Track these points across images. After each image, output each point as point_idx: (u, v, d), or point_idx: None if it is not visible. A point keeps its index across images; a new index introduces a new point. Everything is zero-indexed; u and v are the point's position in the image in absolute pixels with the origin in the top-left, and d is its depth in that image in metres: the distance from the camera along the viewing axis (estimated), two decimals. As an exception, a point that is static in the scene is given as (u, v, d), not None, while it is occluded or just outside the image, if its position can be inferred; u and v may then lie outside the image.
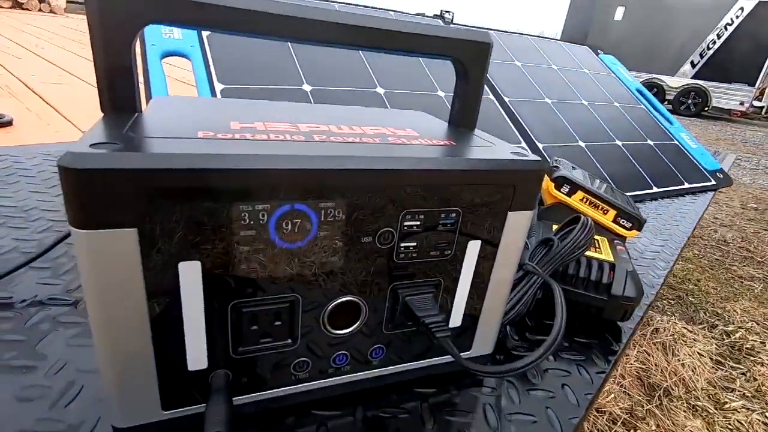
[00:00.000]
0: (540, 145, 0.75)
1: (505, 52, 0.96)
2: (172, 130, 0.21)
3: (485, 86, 0.80)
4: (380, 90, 0.68)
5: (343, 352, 0.25)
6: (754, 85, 7.12)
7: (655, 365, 0.91)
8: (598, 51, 1.19)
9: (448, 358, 0.29)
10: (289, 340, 0.23)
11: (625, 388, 0.84)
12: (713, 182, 0.92)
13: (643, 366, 0.91)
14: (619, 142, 0.87)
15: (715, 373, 0.92)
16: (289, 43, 0.67)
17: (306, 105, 0.32)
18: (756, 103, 7.52)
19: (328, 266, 0.22)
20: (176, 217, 0.18)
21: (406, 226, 0.23)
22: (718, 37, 7.34)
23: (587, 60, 1.12)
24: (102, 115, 0.22)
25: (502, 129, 0.75)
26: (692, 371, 0.90)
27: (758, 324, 1.18)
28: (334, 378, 0.26)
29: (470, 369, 0.23)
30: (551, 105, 0.87)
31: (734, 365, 0.96)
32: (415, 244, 0.24)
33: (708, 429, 0.76)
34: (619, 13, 8.33)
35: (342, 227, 0.21)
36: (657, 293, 0.47)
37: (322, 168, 0.20)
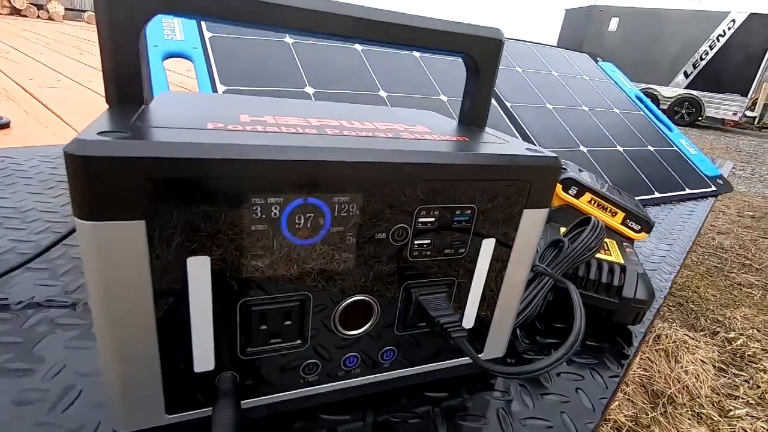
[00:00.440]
0: (542, 150, 0.75)
1: (506, 57, 0.96)
2: (181, 122, 0.20)
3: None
4: (383, 93, 0.68)
5: (353, 353, 0.24)
6: (746, 96, 7.22)
7: (659, 372, 0.90)
8: (597, 58, 1.20)
9: (460, 361, 0.28)
10: (299, 341, 0.22)
11: (629, 395, 0.83)
12: (713, 188, 0.93)
13: (646, 373, 0.90)
14: (620, 148, 0.87)
15: (718, 380, 0.92)
16: (291, 46, 0.66)
17: (315, 102, 0.31)
18: (748, 113, 7.62)
19: (341, 264, 0.21)
20: (186, 210, 0.17)
21: (420, 222, 0.22)
22: (711, 48, 7.45)
23: (586, 67, 1.13)
24: (107, 107, 0.22)
25: (505, 133, 0.74)
26: (695, 378, 0.89)
27: (759, 331, 1.17)
28: (344, 381, 0.25)
29: (490, 370, 0.22)
30: (552, 110, 0.88)
31: (737, 372, 0.95)
32: (429, 241, 0.23)
33: (713, 437, 0.75)
34: (613, 23, 8.45)
35: (356, 223, 0.21)
36: (666, 297, 0.46)
37: (337, 160, 0.19)
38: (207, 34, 0.60)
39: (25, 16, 5.82)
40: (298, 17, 0.22)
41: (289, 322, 0.22)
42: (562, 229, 0.42)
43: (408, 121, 0.28)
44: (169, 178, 0.17)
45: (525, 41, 1.09)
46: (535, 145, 0.73)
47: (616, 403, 0.80)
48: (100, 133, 0.16)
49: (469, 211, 0.23)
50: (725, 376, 0.93)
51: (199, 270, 0.19)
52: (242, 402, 0.22)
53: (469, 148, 0.23)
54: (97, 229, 0.16)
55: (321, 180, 0.19)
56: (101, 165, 0.15)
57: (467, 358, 0.28)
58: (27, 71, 1.29)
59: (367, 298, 0.23)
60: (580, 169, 0.47)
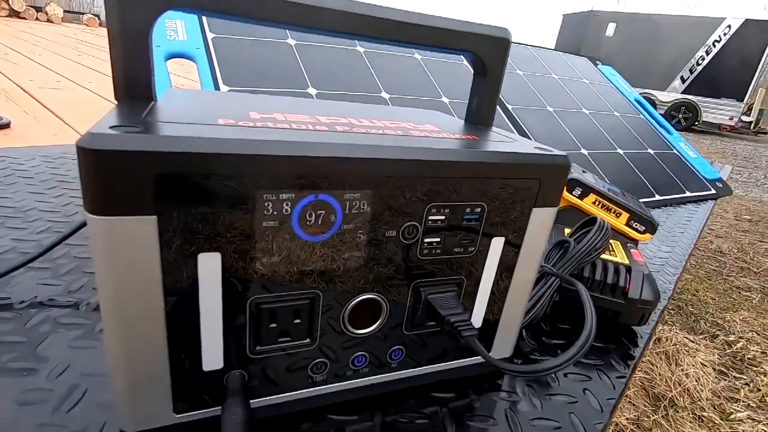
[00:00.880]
0: (544, 152, 0.75)
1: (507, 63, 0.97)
2: (192, 117, 0.20)
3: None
4: (385, 95, 0.68)
5: (362, 353, 0.24)
6: (742, 101, 7.28)
7: (659, 375, 0.90)
8: (597, 62, 1.21)
9: (468, 361, 0.28)
10: (308, 340, 0.22)
11: (630, 398, 0.83)
12: (713, 191, 0.93)
13: (647, 376, 0.90)
14: (620, 151, 0.88)
15: (718, 383, 0.92)
16: (294, 47, 0.67)
17: (322, 101, 0.31)
18: (745, 118, 7.67)
19: (351, 261, 0.21)
20: (197, 205, 0.17)
21: (430, 220, 0.22)
22: (707, 53, 7.52)
23: (586, 70, 1.13)
24: (116, 103, 0.22)
25: (506, 136, 0.75)
26: (696, 381, 0.89)
27: (758, 334, 1.17)
28: (352, 381, 0.24)
29: (503, 368, 0.22)
30: (553, 113, 0.88)
31: (737, 375, 0.95)
32: (439, 239, 0.23)
33: (715, 440, 0.75)
34: (610, 29, 8.51)
35: (366, 220, 0.21)
36: (669, 298, 0.46)
37: (348, 156, 0.19)
38: (210, 35, 0.60)
39: (24, 18, 5.81)
40: (305, 14, 0.22)
41: (298, 321, 0.21)
42: (567, 230, 0.42)
43: (416, 120, 0.28)
44: (181, 172, 0.16)
45: (525, 44, 1.09)
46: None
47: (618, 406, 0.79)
48: (112, 127, 0.16)
49: (479, 210, 0.23)
50: (726, 379, 0.93)
51: (209, 266, 0.18)
52: (250, 402, 0.22)
53: (479, 146, 0.23)
54: (109, 224, 0.16)
55: (332, 176, 0.19)
56: (114, 159, 0.15)
57: (475, 358, 0.28)
58: (26, 72, 1.29)
59: (376, 297, 0.23)
60: (583, 171, 0.47)
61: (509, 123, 0.78)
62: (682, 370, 0.92)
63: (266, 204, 0.18)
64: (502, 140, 0.26)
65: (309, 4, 0.22)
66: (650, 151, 0.94)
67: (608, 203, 0.41)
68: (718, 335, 1.13)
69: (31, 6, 5.98)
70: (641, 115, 1.06)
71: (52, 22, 5.94)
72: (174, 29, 0.59)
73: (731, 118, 7.39)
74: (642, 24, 8.08)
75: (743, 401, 0.86)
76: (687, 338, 1.07)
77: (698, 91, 7.61)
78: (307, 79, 0.63)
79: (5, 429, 0.21)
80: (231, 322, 0.20)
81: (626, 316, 0.36)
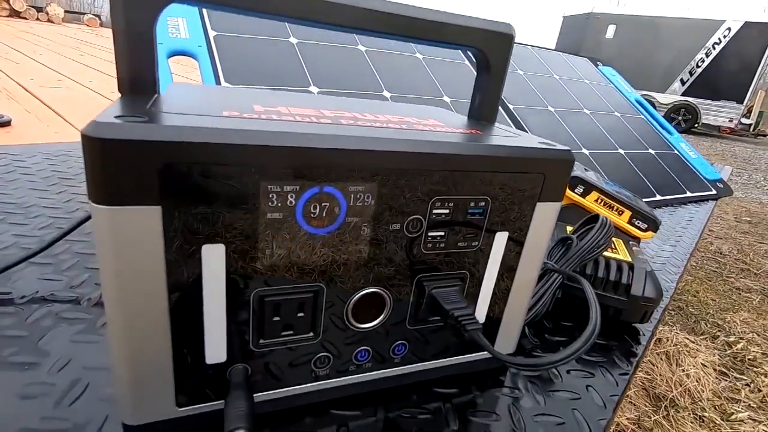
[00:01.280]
0: (545, 152, 0.75)
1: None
2: (197, 109, 0.20)
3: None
4: (386, 93, 0.68)
5: (365, 347, 0.24)
6: (742, 103, 7.29)
7: (660, 376, 0.90)
8: (598, 62, 1.21)
9: (472, 356, 0.28)
10: (311, 334, 0.22)
11: (630, 398, 0.83)
12: (714, 191, 0.93)
13: (648, 376, 0.90)
14: (621, 151, 0.88)
15: (719, 383, 0.91)
16: (296, 45, 0.67)
17: (325, 96, 0.31)
18: (744, 120, 7.68)
19: (355, 254, 0.21)
20: (202, 196, 0.17)
21: (435, 214, 0.22)
22: (707, 55, 7.53)
23: (587, 71, 1.13)
24: (120, 95, 0.22)
25: (507, 135, 0.75)
26: (697, 382, 0.89)
27: (759, 335, 1.17)
28: (355, 375, 0.24)
29: (508, 362, 0.22)
30: (554, 113, 0.88)
31: (738, 376, 0.95)
32: (443, 233, 0.23)
33: (716, 440, 0.75)
34: (610, 31, 8.53)
35: (371, 213, 0.21)
36: (671, 297, 0.46)
37: (354, 148, 0.19)
38: (212, 33, 0.60)
39: (25, 18, 5.82)
40: (307, 7, 0.22)
41: (302, 314, 0.21)
42: (569, 228, 0.42)
43: (419, 116, 0.28)
44: (186, 162, 0.16)
45: (526, 45, 1.09)
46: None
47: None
48: (117, 117, 0.16)
49: (483, 204, 0.23)
50: (726, 380, 0.93)
51: (213, 258, 0.18)
52: (253, 396, 0.22)
53: (483, 141, 0.23)
54: (113, 214, 0.16)
55: (337, 168, 0.19)
56: (119, 148, 0.15)
57: (479, 353, 0.28)
58: (27, 71, 1.29)
59: (380, 291, 0.23)
60: (585, 169, 0.47)
61: (511, 123, 0.78)
62: (683, 370, 0.92)
63: (271, 195, 0.18)
64: (506, 135, 0.26)
65: (315, -2, 0.22)
66: (651, 151, 0.94)
67: (610, 201, 0.41)
68: (719, 336, 1.13)
69: (32, 6, 5.99)
70: (642, 116, 1.06)
71: (52, 22, 5.95)
72: (176, 27, 0.59)
73: (731, 120, 7.40)
74: (642, 26, 8.10)
75: (744, 402, 0.86)
76: (687, 339, 1.07)
77: (698, 94, 7.62)
78: (308, 77, 0.63)
79: (8, 422, 0.21)
80: (234, 314, 0.20)
81: (628, 313, 0.36)
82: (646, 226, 0.41)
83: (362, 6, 0.24)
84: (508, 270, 0.26)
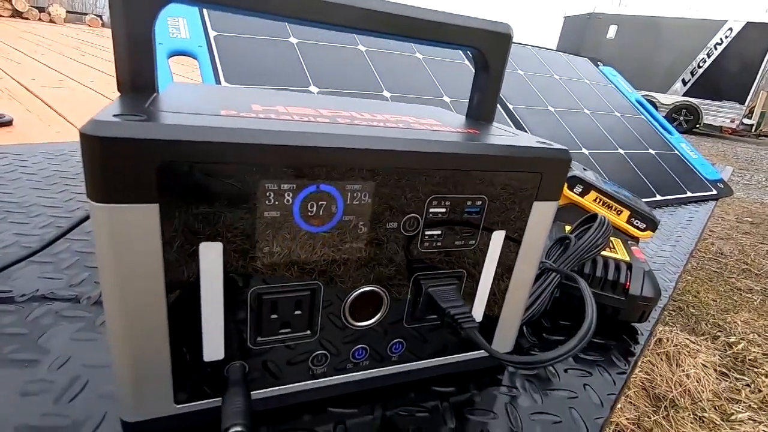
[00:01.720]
0: (544, 152, 0.75)
1: (508, 61, 0.97)
2: (195, 108, 0.20)
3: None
4: (386, 93, 0.68)
5: (362, 346, 0.24)
6: (743, 103, 7.27)
7: (660, 376, 0.90)
8: (598, 63, 1.21)
9: (469, 355, 0.28)
10: (308, 332, 0.22)
11: (630, 398, 0.83)
12: (714, 192, 0.93)
13: (648, 376, 0.90)
14: (621, 151, 0.88)
15: (719, 384, 0.91)
16: (296, 46, 0.67)
17: (323, 96, 0.31)
18: (746, 121, 7.67)
19: (352, 253, 0.21)
20: (199, 194, 0.17)
21: (431, 212, 0.22)
22: (708, 56, 7.52)
23: (587, 71, 1.13)
24: (119, 94, 0.22)
25: (507, 135, 0.75)
26: (697, 382, 0.89)
27: (759, 336, 1.17)
28: (353, 374, 0.24)
29: (503, 360, 0.22)
30: (554, 113, 0.88)
31: (738, 376, 0.95)
32: (439, 232, 0.23)
33: (715, 441, 0.75)
34: (611, 31, 8.52)
35: (368, 211, 0.21)
36: (671, 296, 0.46)
37: (351, 147, 0.19)
38: (212, 33, 0.61)
39: (27, 18, 5.84)
40: (306, 7, 0.22)
41: (299, 312, 0.21)
42: (567, 228, 0.42)
43: (417, 115, 0.28)
44: (184, 161, 0.16)
45: (527, 45, 1.09)
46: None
47: (619, 405, 0.79)
48: (116, 116, 0.16)
49: (479, 202, 0.23)
50: (727, 380, 0.93)
51: (211, 256, 0.18)
52: (251, 393, 0.22)
53: (480, 140, 0.23)
54: (111, 211, 0.16)
55: (334, 167, 0.19)
56: (117, 146, 0.15)
57: (476, 352, 0.28)
58: (29, 71, 1.29)
59: (377, 289, 0.23)
60: (584, 168, 0.47)
61: (511, 123, 0.78)
62: (683, 370, 0.92)
63: (268, 194, 0.18)
64: (503, 134, 0.26)
65: (313, -3, 0.22)
66: (651, 151, 0.94)
67: (609, 200, 0.41)
68: (719, 336, 1.13)
69: (34, 6, 6.00)
70: (642, 116, 1.06)
71: (54, 22, 5.96)
72: (176, 27, 0.59)
73: (732, 121, 7.39)
74: (643, 26, 8.09)
75: (744, 402, 0.86)
76: (688, 339, 1.06)
77: (699, 94, 7.61)
78: (308, 77, 0.63)
79: (9, 418, 0.21)
80: (232, 312, 0.20)
81: (626, 312, 0.36)
82: (644, 225, 0.41)
83: (361, 6, 0.24)
84: (505, 269, 0.26)
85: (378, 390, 0.26)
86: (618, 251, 0.39)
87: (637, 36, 8.16)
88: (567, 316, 0.37)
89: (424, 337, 0.26)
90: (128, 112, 0.17)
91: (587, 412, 0.27)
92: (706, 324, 1.20)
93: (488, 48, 0.28)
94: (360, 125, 0.22)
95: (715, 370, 0.95)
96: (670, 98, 7.84)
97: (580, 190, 0.42)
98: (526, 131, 0.78)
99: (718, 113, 7.54)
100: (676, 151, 1.00)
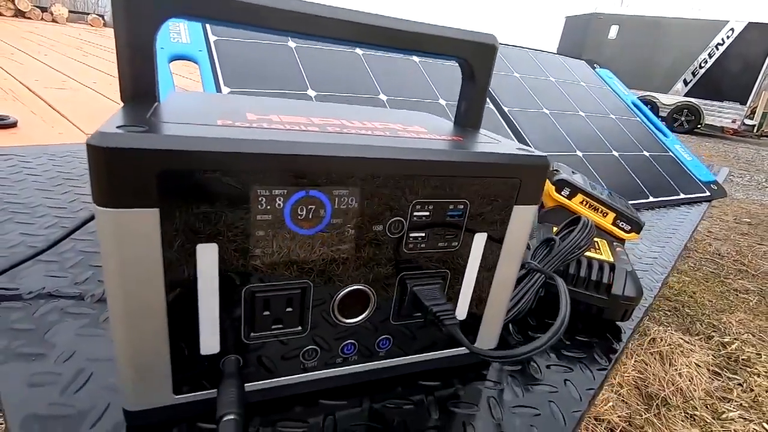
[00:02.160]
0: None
1: (504, 64, 0.98)
2: (193, 118, 0.21)
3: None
4: (383, 97, 0.69)
5: (351, 341, 0.25)
6: (745, 104, 7.27)
7: (653, 375, 0.91)
8: (595, 65, 1.22)
9: (454, 351, 0.29)
10: (299, 328, 0.24)
11: (623, 396, 0.84)
12: (708, 193, 0.94)
13: (640, 375, 0.91)
14: (615, 153, 0.89)
15: (712, 383, 0.93)
16: (294, 50, 0.68)
17: (317, 103, 0.33)
18: (747, 121, 7.66)
19: (340, 254, 0.23)
20: (197, 199, 0.19)
21: (415, 216, 0.24)
22: (710, 56, 7.51)
23: (584, 73, 1.14)
24: (122, 104, 0.23)
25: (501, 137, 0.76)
26: (689, 381, 0.90)
27: (754, 336, 1.18)
28: (342, 368, 0.26)
29: (480, 354, 0.23)
30: (549, 115, 0.89)
31: (731, 376, 0.96)
32: (423, 234, 0.24)
33: (706, 439, 0.76)
34: (613, 31, 8.51)
35: (355, 215, 0.22)
36: (656, 296, 0.48)
37: (338, 155, 0.20)
38: (212, 38, 0.62)
39: (29, 18, 5.86)
40: (299, 22, 0.24)
41: (290, 309, 0.23)
42: (555, 229, 0.43)
43: (405, 122, 0.30)
44: (182, 169, 0.18)
45: (523, 47, 1.11)
46: (532, 147, 0.74)
47: (610, 404, 0.81)
48: (119, 127, 0.17)
49: (461, 206, 0.24)
50: (719, 380, 0.94)
51: (207, 256, 0.20)
52: (245, 385, 0.23)
53: (462, 147, 0.24)
54: (115, 215, 0.18)
55: (322, 174, 0.20)
56: (121, 156, 0.17)
57: (460, 348, 0.29)
58: (32, 72, 1.31)
59: (364, 288, 0.24)
60: (573, 171, 0.48)
61: (506, 125, 0.79)
62: (676, 369, 0.93)
63: (260, 199, 0.20)
64: (486, 141, 0.27)
65: (304, 12, 0.24)
66: (645, 153, 0.95)
67: (595, 203, 0.43)
68: (714, 336, 1.14)
69: (37, 6, 6.02)
70: (637, 118, 1.07)
71: (57, 22, 5.99)
72: (177, 32, 0.60)
73: (734, 121, 7.38)
74: (645, 27, 8.09)
75: (736, 401, 0.87)
76: (682, 339, 1.08)
77: (701, 94, 7.60)
78: (306, 80, 0.64)
79: (19, 407, 0.23)
80: (227, 309, 0.21)
81: (610, 311, 0.37)
82: (629, 227, 0.43)
83: (353, 20, 0.25)
84: (487, 269, 0.27)
85: (367, 383, 0.27)
86: (603, 252, 0.40)
87: (638, 36, 8.16)
88: (552, 315, 0.39)
89: (411, 334, 0.27)
90: (130, 122, 0.18)
91: (566, 406, 0.29)
92: (701, 324, 1.21)
93: (474, 58, 0.30)
94: (348, 134, 0.23)
95: (708, 370, 0.97)
96: (671, 99, 7.84)
97: (568, 192, 0.43)
98: (520, 134, 0.79)
99: (719, 114, 7.53)
100: (671, 153, 1.01)
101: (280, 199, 0.20)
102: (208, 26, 0.63)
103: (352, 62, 0.72)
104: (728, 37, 7.33)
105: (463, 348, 0.29)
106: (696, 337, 1.12)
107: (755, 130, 8.16)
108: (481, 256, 0.27)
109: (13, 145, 0.64)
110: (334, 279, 0.23)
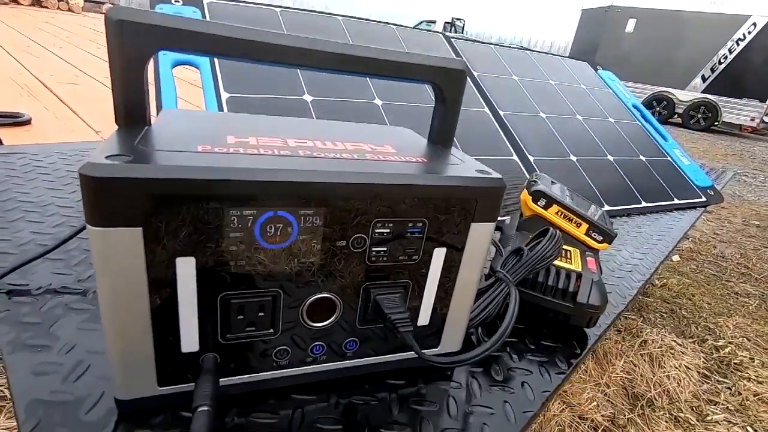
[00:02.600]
0: (531, 158, 0.78)
1: (503, 66, 0.99)
2: (176, 144, 0.24)
3: (480, 100, 0.83)
4: (378, 101, 0.71)
5: (320, 343, 0.28)
6: (765, 101, 7.08)
7: (641, 376, 0.93)
8: (597, 67, 1.22)
9: (414, 354, 0.32)
10: (271, 330, 0.26)
11: (609, 396, 0.86)
12: (703, 199, 0.95)
13: (628, 376, 0.93)
14: (610, 158, 0.90)
15: (700, 386, 0.94)
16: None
17: (298, 121, 0.35)
18: (767, 119, 7.47)
19: (307, 266, 0.25)
20: (175, 219, 0.21)
21: (377, 233, 0.26)
22: (730, 51, 7.32)
23: (585, 75, 1.15)
24: (117, 127, 0.26)
25: (496, 142, 0.78)
26: (677, 383, 0.91)
27: (749, 340, 1.19)
28: (312, 366, 0.29)
29: (424, 357, 0.26)
30: (546, 119, 0.90)
31: (720, 379, 0.97)
32: (385, 249, 0.27)
33: (688, 440, 0.78)
34: (630, 25, 8.33)
35: (319, 232, 0.25)
36: (628, 304, 0.50)
37: (302, 181, 0.23)
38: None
39: (46, 7, 5.95)
40: (287, 54, 0.26)
41: (262, 314, 0.26)
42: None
43: (377, 141, 0.32)
44: (162, 194, 0.21)
45: (524, 49, 1.11)
46: (524, 154, 0.76)
47: (595, 403, 0.83)
48: (107, 157, 0.20)
49: (420, 224, 0.27)
50: (708, 383, 0.95)
51: (185, 268, 0.23)
52: (223, 380, 0.26)
53: (423, 171, 0.27)
54: (104, 233, 0.20)
55: (287, 197, 0.23)
56: (108, 184, 0.20)
57: (425, 350, 0.32)
58: (47, 66, 1.35)
59: (330, 296, 0.27)
60: (552, 182, 0.50)
61: (500, 129, 0.81)
62: (665, 372, 0.94)
63: (232, 218, 0.22)
64: (450, 163, 0.29)
65: (279, 44, 0.26)
66: (642, 158, 0.96)
67: (570, 214, 0.45)
68: (707, 340, 1.14)
69: (53, -5, 6.10)
70: (637, 122, 1.08)
71: (72, 11, 6.07)
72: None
73: (752, 119, 7.20)
74: (663, 20, 7.89)
75: (722, 404, 0.89)
76: (675, 341, 1.09)
77: (719, 91, 7.42)
78: (303, 86, 0.66)
79: (25, 393, 0.26)
80: (205, 313, 0.24)
81: (576, 318, 0.40)
82: (601, 238, 0.45)
83: (332, 51, 0.28)
84: (448, 280, 0.30)
85: (337, 380, 0.30)
86: (573, 261, 0.42)
87: (656, 30, 7.97)
88: (520, 320, 0.41)
89: (377, 337, 0.30)
90: (119, 151, 0.21)
91: (519, 407, 0.31)
92: (696, 327, 1.22)
93: (444, 82, 0.32)
94: (317, 158, 0.26)
95: (698, 373, 0.98)
96: (688, 95, 7.67)
97: (544, 203, 0.45)
98: (514, 138, 0.80)
99: (738, 111, 7.35)
100: (669, 158, 1.01)
101: (250, 219, 0.23)
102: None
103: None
104: (750, 33, 7.12)
105: (428, 350, 0.32)
106: (689, 340, 1.13)
107: (774, 129, 7.95)
108: (441, 268, 0.29)
109: (27, 144, 0.67)
110: (302, 288, 0.26)
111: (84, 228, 0.41)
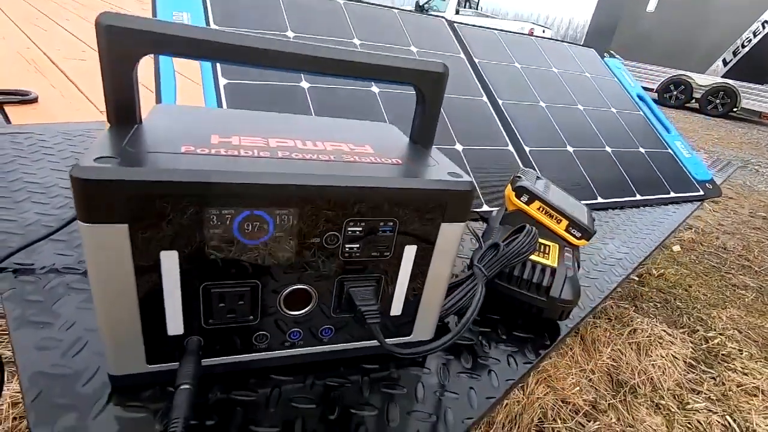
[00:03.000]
0: (527, 149, 0.78)
1: (506, 53, 0.98)
2: (162, 144, 0.26)
3: (479, 88, 0.82)
4: (375, 89, 0.72)
5: (297, 329, 0.30)
6: (788, 88, 6.85)
7: (627, 364, 0.95)
8: (605, 54, 1.20)
9: (387, 341, 0.34)
10: (251, 317, 0.29)
11: (593, 382, 0.89)
12: (701, 192, 0.95)
13: (614, 363, 0.95)
14: (608, 149, 0.90)
15: (685, 375, 0.96)
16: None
17: (284, 118, 0.37)
18: (789, 107, 7.24)
19: (283, 260, 0.27)
20: (158, 217, 0.23)
21: (349, 230, 0.28)
22: (755, 35, 7.04)
23: (591, 63, 1.13)
24: (108, 126, 0.28)
25: (492, 132, 0.78)
26: (662, 372, 0.94)
27: (740, 332, 1.20)
28: (290, 350, 0.31)
29: (385, 346, 0.28)
30: (545, 109, 0.90)
31: (706, 369, 1.00)
32: (358, 245, 0.29)
33: (667, 426, 0.81)
34: (652, 4, 8.02)
35: (294, 230, 0.26)
36: (606, 298, 0.51)
37: (277, 183, 0.25)
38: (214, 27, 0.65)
39: (55, -26, 5.87)
40: (275, 58, 0.28)
41: (242, 302, 0.28)
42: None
43: (358, 140, 0.33)
44: (145, 194, 0.22)
45: (530, 36, 1.09)
46: (520, 145, 0.76)
47: (578, 388, 0.86)
48: (96, 159, 0.22)
49: (391, 224, 0.29)
50: (693, 372, 0.98)
51: (169, 261, 0.25)
52: (206, 360, 0.29)
53: (396, 173, 0.28)
54: (93, 229, 0.22)
55: (263, 198, 0.25)
56: (96, 185, 0.21)
57: (394, 338, 0.34)
58: (54, 41, 1.36)
59: (306, 287, 0.29)
60: (538, 177, 0.51)
61: (497, 118, 0.81)
62: (651, 360, 0.97)
63: (212, 217, 0.24)
64: (425, 165, 0.31)
65: (263, 48, 0.27)
66: (641, 150, 0.96)
67: (550, 210, 0.46)
68: (698, 330, 1.16)
69: (62, -38, 6.01)
70: (640, 112, 1.07)
71: (81, -22, 5.99)
72: (181, 20, 0.64)
73: (774, 107, 6.99)
74: (687, 0, 7.59)
75: (705, 393, 0.91)
76: (665, 331, 1.11)
77: (740, 76, 7.17)
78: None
79: (29, 365, 0.29)
80: (188, 301, 0.26)
81: (548, 311, 0.42)
82: (580, 234, 0.46)
83: (317, 55, 0.29)
84: (419, 275, 0.31)
85: (314, 363, 0.33)
86: (550, 256, 0.44)
87: (679, 10, 7.66)
88: (495, 311, 0.43)
89: (351, 326, 0.32)
90: (107, 153, 0.23)
91: (483, 392, 0.34)
92: (689, 318, 1.23)
93: (424, 85, 0.33)
94: (295, 159, 0.27)
95: (685, 362, 1.00)
96: (707, 79, 7.43)
97: (526, 199, 0.46)
98: (511, 127, 0.81)
99: (759, 97, 7.12)
100: (669, 150, 1.01)
101: (228, 217, 0.25)
102: (211, 19, 0.66)
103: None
104: (777, 15, 6.83)
105: (395, 338, 0.34)
106: (680, 330, 1.15)
107: (795, 117, 7.72)
108: (411, 264, 0.31)
109: (33, 123, 0.70)
110: (279, 280, 0.28)
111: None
